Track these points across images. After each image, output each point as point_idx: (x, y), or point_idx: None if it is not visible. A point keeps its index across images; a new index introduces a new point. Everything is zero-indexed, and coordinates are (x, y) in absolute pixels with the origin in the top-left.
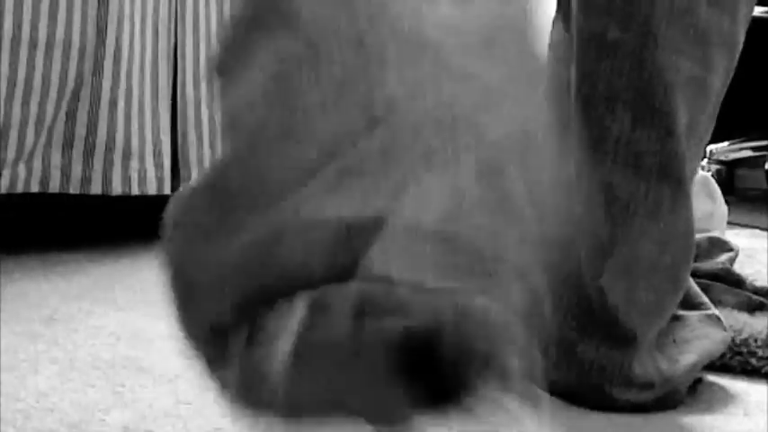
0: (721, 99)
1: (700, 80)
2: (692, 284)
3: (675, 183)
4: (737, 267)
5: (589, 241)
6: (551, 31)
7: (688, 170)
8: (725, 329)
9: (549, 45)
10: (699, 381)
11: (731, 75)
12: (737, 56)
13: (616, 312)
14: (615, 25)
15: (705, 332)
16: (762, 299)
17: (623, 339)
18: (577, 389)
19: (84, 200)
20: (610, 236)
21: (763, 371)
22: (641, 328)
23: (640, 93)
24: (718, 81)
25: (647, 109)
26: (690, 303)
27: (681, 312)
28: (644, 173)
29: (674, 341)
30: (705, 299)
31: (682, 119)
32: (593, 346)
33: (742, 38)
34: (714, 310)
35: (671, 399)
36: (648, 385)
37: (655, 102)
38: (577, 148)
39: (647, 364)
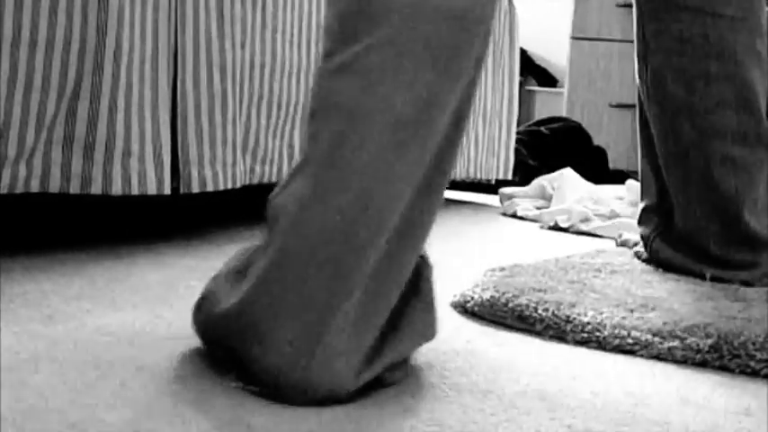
0: None
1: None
2: None
3: (766, 149)
4: None
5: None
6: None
7: None
8: None
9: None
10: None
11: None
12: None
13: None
14: (714, 61)
15: None
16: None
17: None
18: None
19: (85, 200)
20: (743, 185)
21: (762, 373)
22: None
23: (739, 97)
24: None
25: (745, 105)
26: None
27: None
28: (751, 145)
29: None
30: None
31: (763, 102)
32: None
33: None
34: None
35: None
36: (765, 245)
37: (749, 96)
38: (695, 144)
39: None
